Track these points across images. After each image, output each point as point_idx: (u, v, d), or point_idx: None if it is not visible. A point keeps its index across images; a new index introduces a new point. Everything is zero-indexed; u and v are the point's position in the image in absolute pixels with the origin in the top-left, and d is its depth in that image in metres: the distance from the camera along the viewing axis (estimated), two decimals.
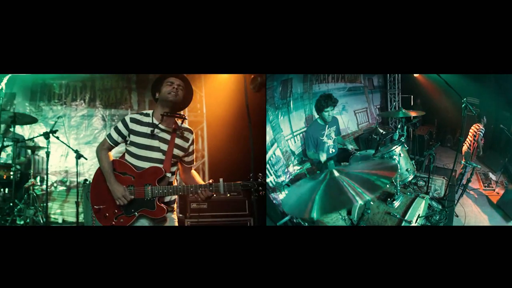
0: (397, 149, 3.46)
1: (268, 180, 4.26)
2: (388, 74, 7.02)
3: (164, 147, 2.39)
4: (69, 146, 4.78)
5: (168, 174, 2.41)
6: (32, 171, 4.79)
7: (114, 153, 2.45)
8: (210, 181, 2.37)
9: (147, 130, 2.36)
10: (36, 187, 4.75)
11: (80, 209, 4.62)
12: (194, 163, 2.64)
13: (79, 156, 4.63)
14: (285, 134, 4.70)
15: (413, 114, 4.23)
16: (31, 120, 4.81)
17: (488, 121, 5.23)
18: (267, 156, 4.28)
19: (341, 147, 4.39)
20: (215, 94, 5.77)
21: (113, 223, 2.33)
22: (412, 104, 6.84)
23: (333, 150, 4.25)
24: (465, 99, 3.63)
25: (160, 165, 2.37)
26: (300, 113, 5.07)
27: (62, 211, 5.57)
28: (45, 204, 4.53)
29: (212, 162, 6.07)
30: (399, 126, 4.10)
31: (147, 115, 2.41)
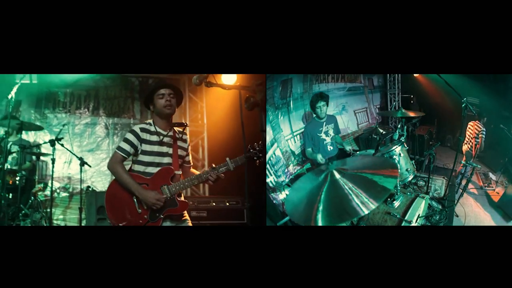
0: (397, 149, 3.46)
1: (268, 180, 4.25)
2: (388, 74, 7.01)
3: (170, 150, 2.54)
4: (73, 154, 4.84)
5: (178, 172, 2.55)
6: (36, 177, 4.90)
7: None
8: (213, 165, 2.52)
9: (156, 138, 2.48)
10: (40, 193, 4.87)
11: (83, 215, 4.65)
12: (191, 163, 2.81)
13: (83, 163, 4.69)
14: (285, 134, 4.69)
15: (412, 114, 4.25)
16: (37, 128, 5.02)
17: (488, 121, 5.23)
18: (267, 156, 4.28)
19: (340, 147, 4.39)
20: (216, 104, 5.81)
21: None
22: (412, 102, 6.84)
23: (331, 148, 4.25)
24: (465, 99, 3.62)
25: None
26: (300, 113, 5.06)
27: (65, 217, 5.62)
28: (48, 210, 4.59)
29: None
30: (399, 126, 4.09)
31: (150, 124, 2.52)
